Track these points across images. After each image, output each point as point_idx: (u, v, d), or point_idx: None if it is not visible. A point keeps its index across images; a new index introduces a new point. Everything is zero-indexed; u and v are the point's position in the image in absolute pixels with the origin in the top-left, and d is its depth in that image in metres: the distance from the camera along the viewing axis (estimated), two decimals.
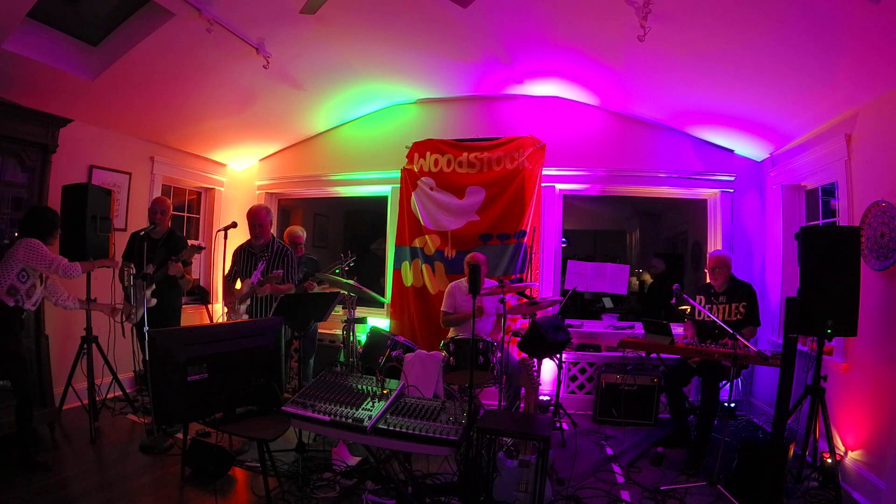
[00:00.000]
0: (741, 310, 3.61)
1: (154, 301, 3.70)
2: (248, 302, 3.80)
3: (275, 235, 3.98)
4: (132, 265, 3.67)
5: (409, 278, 5.05)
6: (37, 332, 3.52)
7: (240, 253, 3.85)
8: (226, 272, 3.97)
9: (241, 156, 5.82)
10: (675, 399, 3.71)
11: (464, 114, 5.25)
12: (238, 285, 3.87)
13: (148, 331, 3.32)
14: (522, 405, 3.36)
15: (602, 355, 4.64)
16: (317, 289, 4.13)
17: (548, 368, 4.60)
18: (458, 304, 4.11)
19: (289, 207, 6.43)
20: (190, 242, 3.76)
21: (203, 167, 5.57)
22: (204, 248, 4.28)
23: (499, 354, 3.59)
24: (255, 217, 3.82)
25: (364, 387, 2.64)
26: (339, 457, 3.17)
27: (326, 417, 2.41)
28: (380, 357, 3.90)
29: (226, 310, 3.97)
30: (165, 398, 2.45)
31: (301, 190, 5.86)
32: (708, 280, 3.81)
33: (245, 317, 3.81)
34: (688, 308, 3.78)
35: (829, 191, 3.90)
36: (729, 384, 3.46)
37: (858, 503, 2.88)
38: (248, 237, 3.91)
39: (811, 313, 2.66)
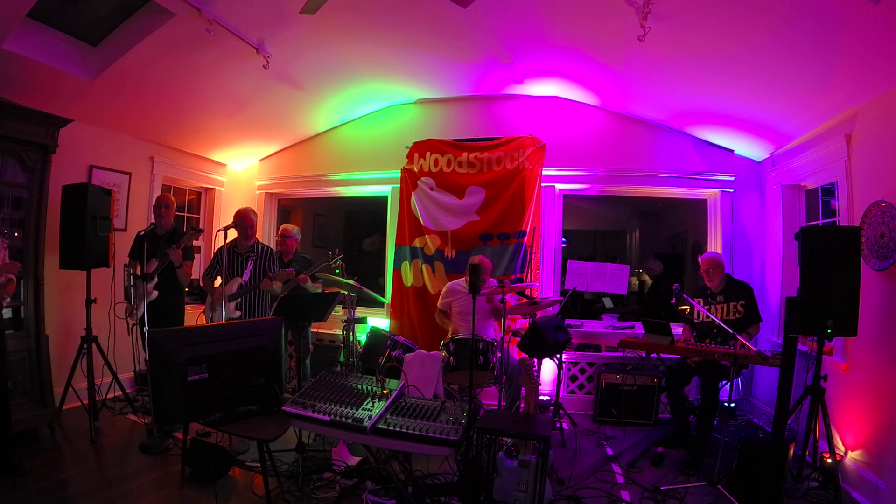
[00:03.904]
0: (739, 308, 3.61)
1: (156, 294, 3.72)
2: (239, 300, 3.88)
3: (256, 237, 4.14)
4: (137, 265, 3.70)
5: (409, 278, 5.05)
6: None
7: (225, 252, 3.86)
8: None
9: (241, 156, 5.82)
10: (676, 399, 3.70)
11: (464, 114, 5.25)
12: (217, 282, 3.93)
13: (148, 331, 3.33)
14: (522, 405, 3.36)
15: (602, 355, 4.64)
16: (310, 284, 4.15)
17: (548, 368, 4.60)
18: (451, 303, 4.13)
19: (289, 207, 6.42)
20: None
21: (203, 167, 5.57)
22: (202, 231, 4.57)
23: (499, 354, 3.59)
24: (247, 219, 3.94)
25: (364, 387, 2.64)
26: (339, 457, 3.17)
27: (326, 417, 2.41)
28: (380, 357, 3.90)
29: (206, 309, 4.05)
30: (165, 398, 2.45)
31: (301, 190, 5.86)
32: (704, 282, 3.81)
33: (237, 314, 3.85)
34: (688, 308, 3.77)
35: (829, 191, 3.90)
36: (729, 384, 3.46)
37: (858, 503, 2.88)
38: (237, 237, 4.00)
39: (811, 313, 2.66)
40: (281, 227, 4.65)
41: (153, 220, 4.06)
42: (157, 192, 4.97)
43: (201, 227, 5.82)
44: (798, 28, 2.82)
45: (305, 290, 4.11)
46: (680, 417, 3.70)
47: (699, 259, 3.84)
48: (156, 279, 3.75)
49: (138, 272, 3.73)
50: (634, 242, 6.41)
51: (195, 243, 4.50)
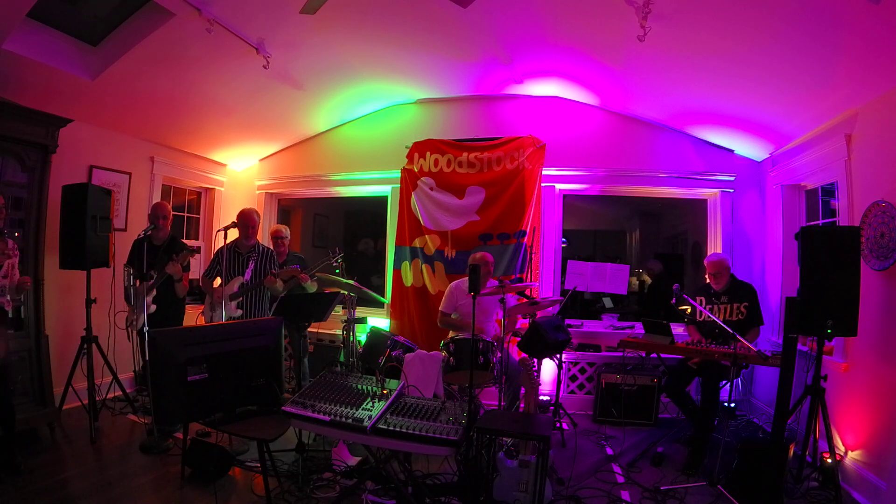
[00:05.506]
0: (742, 310, 3.60)
1: (154, 307, 3.73)
2: (241, 299, 3.88)
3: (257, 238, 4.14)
4: (132, 269, 3.69)
5: (409, 278, 5.05)
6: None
7: (226, 253, 3.85)
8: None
9: (241, 156, 5.82)
10: (682, 401, 3.67)
11: (464, 114, 5.25)
12: (217, 283, 3.93)
13: (148, 331, 3.32)
14: (522, 405, 3.35)
15: (602, 355, 4.64)
16: (309, 283, 4.15)
17: (548, 368, 4.60)
18: (457, 305, 4.10)
19: (289, 207, 6.42)
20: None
21: (203, 167, 5.57)
22: (198, 252, 4.48)
23: (499, 354, 3.59)
24: (250, 219, 3.95)
25: (364, 387, 2.64)
26: (339, 457, 3.18)
27: (326, 417, 2.41)
28: (380, 357, 3.90)
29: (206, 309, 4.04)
30: (165, 398, 2.45)
31: (301, 190, 5.86)
32: (707, 281, 3.80)
33: (238, 312, 3.85)
34: (688, 308, 3.77)
35: (829, 191, 3.90)
36: (729, 384, 3.46)
37: (858, 503, 2.88)
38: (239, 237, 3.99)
39: (811, 313, 2.66)
40: (273, 229, 4.60)
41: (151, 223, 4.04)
42: (158, 192, 4.98)
43: (201, 226, 5.83)
44: (798, 28, 2.82)
45: (304, 290, 4.12)
46: (693, 416, 3.62)
47: (705, 262, 3.82)
48: (154, 292, 3.75)
49: None
50: (634, 242, 6.41)
51: (194, 243, 4.52)
